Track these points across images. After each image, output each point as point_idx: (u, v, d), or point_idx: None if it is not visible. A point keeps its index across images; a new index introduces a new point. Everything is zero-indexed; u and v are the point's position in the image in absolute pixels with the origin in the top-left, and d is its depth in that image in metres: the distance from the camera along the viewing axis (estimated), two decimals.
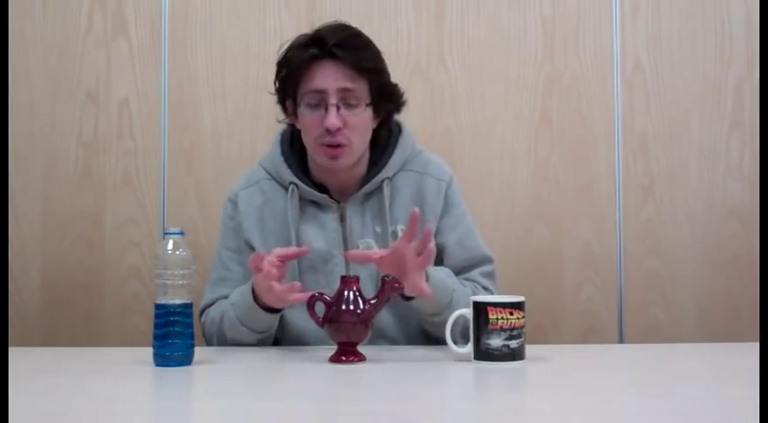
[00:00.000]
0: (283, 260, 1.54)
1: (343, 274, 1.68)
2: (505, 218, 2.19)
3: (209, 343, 1.72)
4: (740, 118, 2.24)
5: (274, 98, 2.14)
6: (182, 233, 1.45)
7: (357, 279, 1.50)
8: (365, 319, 1.46)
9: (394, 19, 2.21)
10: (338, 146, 1.66)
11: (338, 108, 1.65)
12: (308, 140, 1.71)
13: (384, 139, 1.78)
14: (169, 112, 2.20)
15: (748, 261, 2.22)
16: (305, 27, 2.15)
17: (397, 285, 1.49)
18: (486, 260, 1.78)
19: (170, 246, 1.43)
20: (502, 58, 2.23)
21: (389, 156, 1.75)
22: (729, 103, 2.24)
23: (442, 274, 1.64)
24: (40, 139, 2.20)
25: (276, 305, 1.57)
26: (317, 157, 1.70)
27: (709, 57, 2.24)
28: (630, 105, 2.23)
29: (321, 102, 1.66)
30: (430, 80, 2.21)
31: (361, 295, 1.48)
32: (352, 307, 1.47)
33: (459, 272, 1.74)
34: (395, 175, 1.75)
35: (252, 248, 1.73)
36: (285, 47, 1.72)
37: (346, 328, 1.47)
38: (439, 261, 1.76)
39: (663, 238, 2.23)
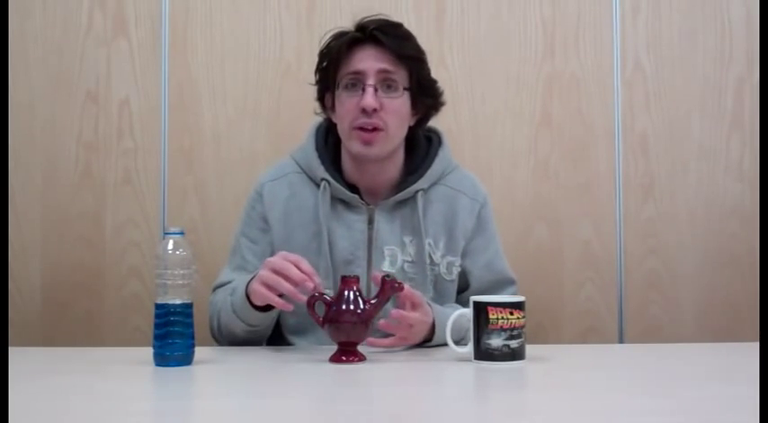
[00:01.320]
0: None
1: (365, 275, 1.68)
2: (506, 217, 2.19)
3: (210, 322, 1.70)
4: (740, 118, 2.24)
5: (274, 98, 2.14)
6: (182, 233, 1.45)
7: (357, 279, 1.50)
8: (365, 319, 1.46)
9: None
10: (373, 130, 1.65)
11: (376, 90, 1.64)
12: (344, 127, 1.69)
13: (423, 148, 1.77)
14: (169, 112, 2.21)
15: (748, 261, 2.22)
16: (305, 27, 2.18)
17: (397, 285, 1.49)
18: (510, 282, 1.79)
19: (170, 246, 1.42)
20: (502, 58, 2.23)
21: (428, 167, 1.74)
22: (729, 103, 2.24)
23: (451, 313, 1.59)
24: (40, 139, 2.20)
25: (258, 301, 1.54)
26: (351, 144, 1.68)
27: (710, 57, 2.24)
28: (630, 105, 2.23)
29: (359, 83, 1.65)
30: None
31: (361, 295, 1.48)
32: (352, 307, 1.46)
33: (482, 293, 1.72)
34: (430, 187, 1.74)
35: (271, 244, 1.73)
36: (326, 38, 1.71)
37: (346, 328, 1.47)
38: (464, 282, 1.77)
39: (663, 238, 2.23)
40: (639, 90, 2.24)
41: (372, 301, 1.48)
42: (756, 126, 2.23)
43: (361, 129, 1.65)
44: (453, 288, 1.75)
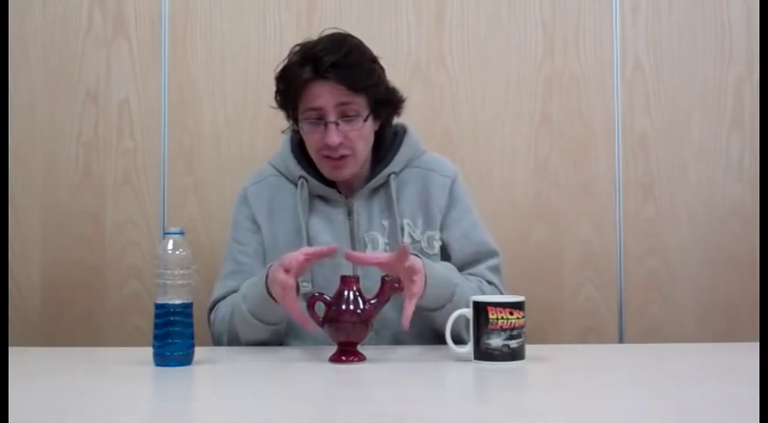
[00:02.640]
0: (310, 258, 1.52)
1: (350, 266, 1.68)
2: (505, 217, 2.19)
3: (218, 342, 1.72)
4: (740, 118, 2.24)
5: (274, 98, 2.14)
6: (182, 233, 1.45)
7: (357, 279, 1.50)
8: (365, 319, 1.46)
9: (394, 19, 2.21)
10: (341, 157, 1.70)
11: (337, 124, 1.68)
12: (312, 152, 1.75)
13: (389, 140, 1.81)
14: (169, 112, 2.20)
15: (748, 261, 2.22)
16: (305, 27, 2.18)
17: (397, 285, 1.49)
18: (492, 254, 1.79)
19: (170, 246, 1.43)
20: (502, 58, 2.23)
21: (395, 153, 1.78)
22: (729, 103, 2.24)
23: (442, 268, 1.65)
24: (40, 138, 2.20)
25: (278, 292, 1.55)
26: (321, 168, 1.75)
27: (710, 57, 2.24)
28: (630, 105, 2.23)
29: (320, 118, 1.69)
30: (430, 80, 2.21)
31: (361, 295, 1.48)
32: (352, 307, 1.46)
33: (464, 266, 1.75)
34: (401, 170, 1.79)
35: (262, 243, 1.77)
36: (282, 64, 1.73)
37: (346, 328, 1.47)
38: (445, 256, 1.78)
39: (663, 238, 2.23)
40: (639, 90, 2.24)
41: (372, 301, 1.48)
42: (756, 126, 2.23)
43: (330, 157, 1.70)
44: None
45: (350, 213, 1.76)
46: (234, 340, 1.68)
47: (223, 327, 1.69)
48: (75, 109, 2.20)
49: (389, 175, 1.77)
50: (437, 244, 1.77)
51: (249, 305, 1.61)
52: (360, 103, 1.69)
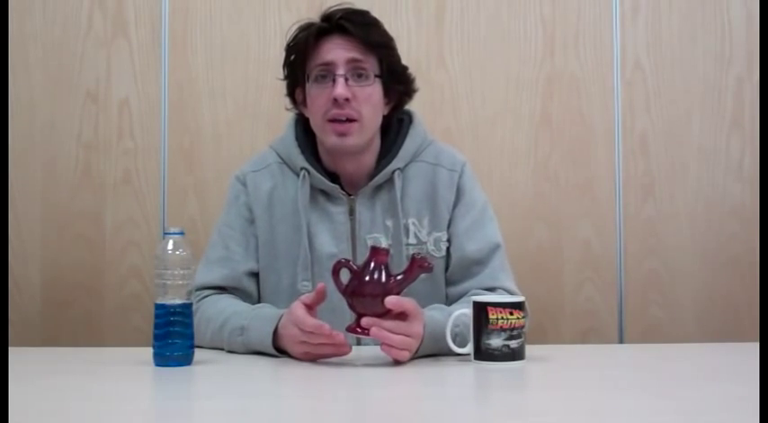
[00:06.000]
0: (311, 306, 1.46)
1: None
2: (505, 217, 2.18)
3: (196, 331, 1.57)
4: (740, 118, 2.24)
5: (274, 98, 2.14)
6: (182, 233, 1.45)
7: (387, 252, 1.45)
8: (387, 294, 1.40)
9: (394, 19, 2.21)
10: (347, 121, 1.62)
11: (346, 80, 1.62)
12: (317, 120, 1.67)
13: (395, 129, 1.74)
14: (169, 112, 2.21)
15: (748, 261, 2.22)
16: None
17: (426, 265, 1.44)
18: (495, 249, 1.71)
19: (170, 246, 1.42)
20: (502, 58, 2.23)
21: (400, 145, 1.71)
22: (729, 103, 2.24)
23: (440, 317, 1.51)
24: (40, 138, 2.20)
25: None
26: (325, 137, 1.66)
27: (710, 57, 2.24)
28: (630, 105, 2.24)
29: (329, 74, 1.63)
30: (430, 80, 2.21)
31: (387, 269, 1.43)
32: (376, 279, 1.41)
33: (470, 264, 1.69)
34: (406, 166, 1.71)
35: (255, 235, 1.71)
36: (293, 30, 1.69)
37: (367, 301, 1.41)
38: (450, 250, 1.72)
39: (663, 238, 2.23)
40: (639, 90, 2.24)
41: (398, 278, 1.42)
42: (756, 126, 2.23)
43: (335, 121, 1.63)
44: (442, 265, 1.70)
45: (352, 212, 1.69)
46: (216, 346, 1.60)
47: (205, 328, 1.60)
48: (75, 109, 2.20)
49: (394, 172, 1.69)
50: (444, 246, 1.70)
51: (246, 340, 1.54)
52: (371, 64, 1.64)
